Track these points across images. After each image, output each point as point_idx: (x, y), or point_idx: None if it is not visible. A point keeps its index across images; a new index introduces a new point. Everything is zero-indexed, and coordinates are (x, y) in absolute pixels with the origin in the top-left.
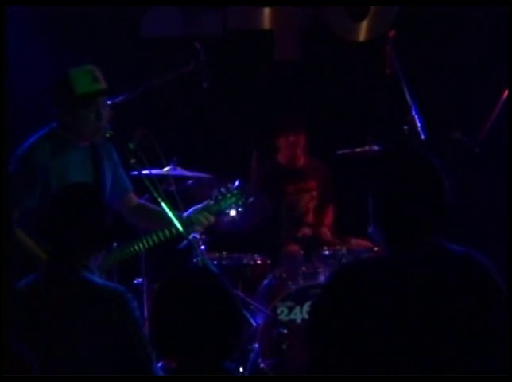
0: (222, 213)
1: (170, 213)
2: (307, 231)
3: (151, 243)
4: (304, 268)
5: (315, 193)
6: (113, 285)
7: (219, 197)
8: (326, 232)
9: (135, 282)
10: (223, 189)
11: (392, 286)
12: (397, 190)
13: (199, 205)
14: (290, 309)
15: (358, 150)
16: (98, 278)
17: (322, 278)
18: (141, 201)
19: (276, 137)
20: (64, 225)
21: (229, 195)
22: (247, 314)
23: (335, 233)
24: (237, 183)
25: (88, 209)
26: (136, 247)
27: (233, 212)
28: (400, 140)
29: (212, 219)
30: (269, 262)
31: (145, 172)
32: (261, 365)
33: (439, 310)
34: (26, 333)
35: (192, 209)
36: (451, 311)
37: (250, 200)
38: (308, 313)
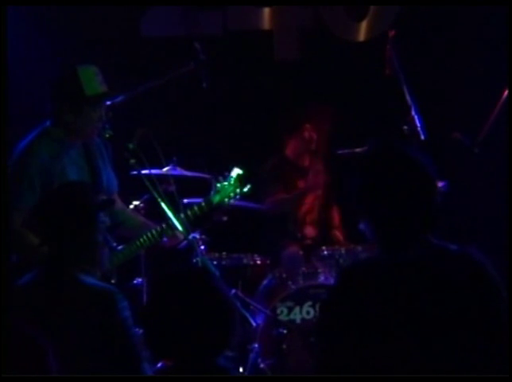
0: (223, 203)
1: (170, 213)
2: (311, 230)
3: (152, 239)
4: (303, 268)
5: (319, 192)
6: (103, 284)
7: (218, 187)
8: (337, 234)
9: (135, 282)
10: (221, 178)
11: (395, 284)
12: (384, 190)
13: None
14: (290, 310)
15: (358, 150)
16: (90, 278)
17: (322, 278)
18: (126, 209)
19: (295, 129)
20: (54, 225)
21: (226, 184)
22: (247, 314)
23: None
24: (234, 171)
25: (80, 208)
26: (138, 244)
27: (232, 202)
28: (392, 140)
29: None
30: (268, 262)
31: (144, 172)
32: (261, 365)
33: (440, 308)
34: None
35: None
36: (451, 309)
37: (247, 188)
38: (318, 312)
